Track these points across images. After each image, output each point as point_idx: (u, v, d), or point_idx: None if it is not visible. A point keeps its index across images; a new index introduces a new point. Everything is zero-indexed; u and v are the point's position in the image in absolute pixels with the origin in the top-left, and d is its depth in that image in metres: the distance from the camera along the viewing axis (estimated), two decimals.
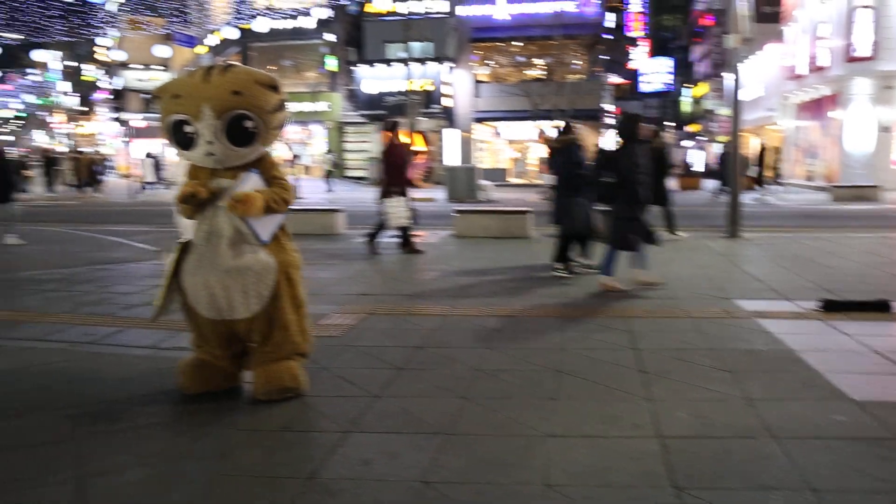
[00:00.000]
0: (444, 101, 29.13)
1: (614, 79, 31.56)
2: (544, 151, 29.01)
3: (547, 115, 27.26)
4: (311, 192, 22.25)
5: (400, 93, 26.32)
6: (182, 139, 3.71)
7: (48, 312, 6.18)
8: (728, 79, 14.64)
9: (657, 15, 31.08)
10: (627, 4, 35.19)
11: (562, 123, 8.23)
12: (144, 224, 13.95)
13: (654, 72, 38.97)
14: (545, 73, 29.64)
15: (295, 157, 28.58)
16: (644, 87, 39.75)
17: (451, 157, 28.95)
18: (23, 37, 26.58)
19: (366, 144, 30.85)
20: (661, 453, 3.16)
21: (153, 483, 2.98)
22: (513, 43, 30.38)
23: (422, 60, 26.30)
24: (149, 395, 4.03)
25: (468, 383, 4.16)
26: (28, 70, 59.42)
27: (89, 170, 26.62)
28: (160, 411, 3.81)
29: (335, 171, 26.63)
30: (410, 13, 22.65)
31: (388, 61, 29.07)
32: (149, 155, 26.07)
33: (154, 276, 7.99)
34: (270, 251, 3.84)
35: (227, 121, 3.62)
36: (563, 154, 7.63)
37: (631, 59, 32.51)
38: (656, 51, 34.86)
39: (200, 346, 4.01)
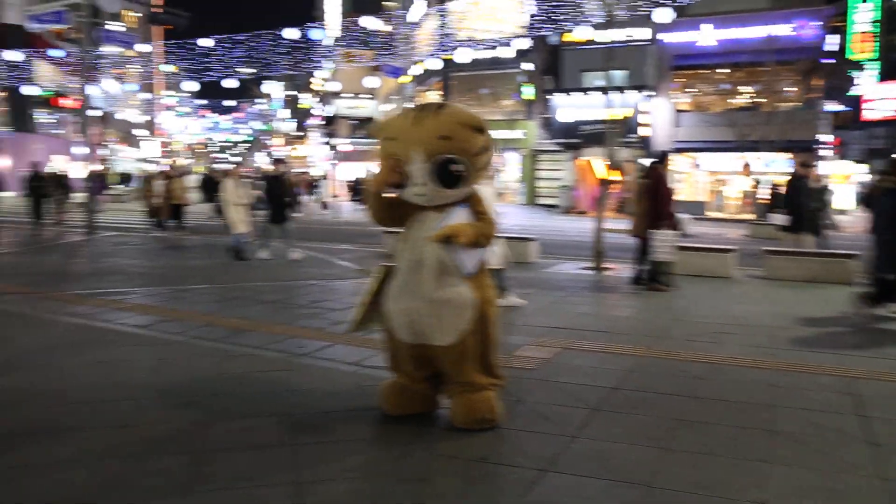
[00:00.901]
0: (642, 131, 28.39)
1: (833, 106, 28.85)
2: (748, 184, 27.16)
3: (753, 147, 25.63)
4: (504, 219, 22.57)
5: (596, 121, 26.04)
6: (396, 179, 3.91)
7: (269, 322, 6.80)
8: None
9: (889, 34, 28.04)
10: (853, 24, 32.26)
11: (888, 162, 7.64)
12: (347, 243, 14.95)
13: (883, 97, 35.26)
14: (753, 101, 27.88)
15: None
16: (869, 114, 36.09)
17: None
18: (255, 70, 29.70)
19: (558, 172, 30.87)
20: None
21: (361, 498, 3.15)
22: (717, 70, 28.95)
23: (620, 89, 25.85)
24: (354, 411, 4.29)
25: (668, 433, 3.98)
26: (256, 100, 66.44)
27: (291, 190, 28.75)
28: (364, 428, 4.02)
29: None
30: (611, 41, 22.42)
31: (584, 90, 28.93)
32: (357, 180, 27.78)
33: (357, 294, 8.53)
34: (471, 287, 3.94)
35: (436, 164, 3.78)
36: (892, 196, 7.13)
37: (856, 85, 29.63)
38: (886, 74, 31.46)
39: (396, 368, 4.19)
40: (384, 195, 3.98)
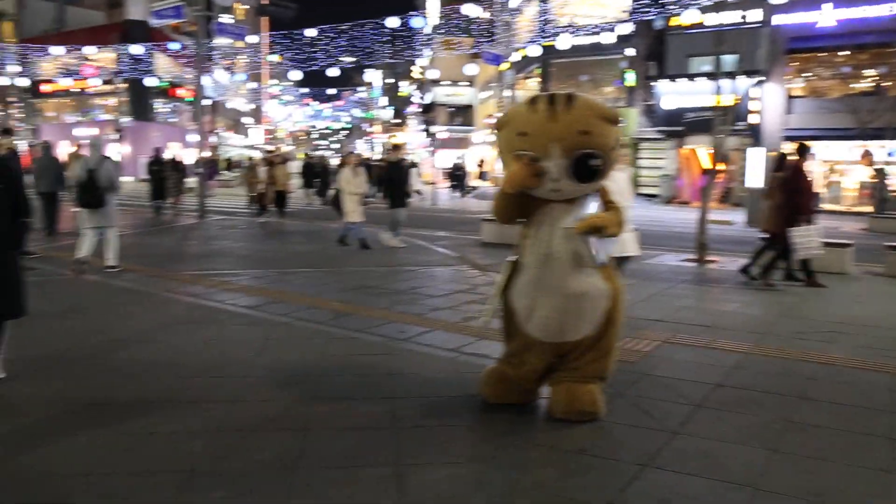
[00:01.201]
0: (751, 118, 27.09)
1: None
2: (867, 175, 25.43)
3: (877, 134, 23.97)
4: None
5: (702, 108, 25.07)
6: None
7: (368, 306, 6.98)
8: None
9: None
10: None
11: None
12: (445, 230, 15.08)
13: None
14: (877, 85, 26.05)
15: None
16: None
17: (754, 177, 26.77)
18: (356, 59, 30.35)
19: (660, 161, 29.95)
20: None
21: (459, 483, 3.20)
22: (838, 52, 27.20)
23: (731, 74, 24.75)
24: (453, 398, 4.34)
25: (777, 434, 3.82)
26: (357, 88, 67.92)
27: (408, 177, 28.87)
28: (464, 414, 4.07)
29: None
30: (720, 24, 21.45)
31: (690, 76, 27.87)
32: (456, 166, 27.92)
33: (455, 282, 8.63)
34: (603, 277, 3.89)
35: (575, 161, 3.67)
36: None
37: None
38: None
39: (512, 361, 4.11)
40: (515, 195, 3.83)
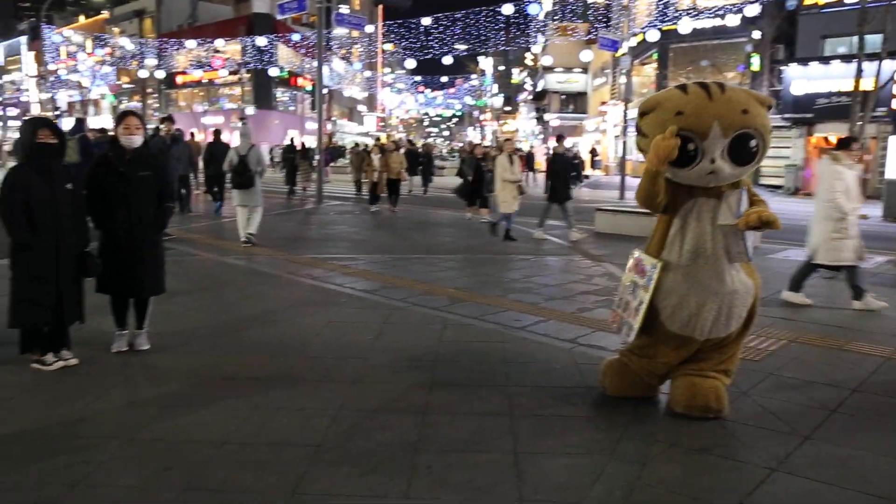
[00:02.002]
0: (894, 103, 25.06)
1: None
2: None
3: None
4: None
5: (837, 94, 23.49)
6: (680, 157, 3.59)
7: (482, 294, 7.03)
8: None
9: None
10: None
11: None
12: (556, 219, 14.89)
13: None
14: None
15: None
16: None
17: (895, 168, 24.80)
18: (468, 47, 30.49)
19: (785, 150, 28.30)
20: None
21: (577, 473, 3.18)
22: None
23: (877, 56, 22.95)
24: (570, 388, 4.31)
25: None
26: (470, 76, 68.22)
27: (573, 167, 26.94)
28: (582, 405, 4.04)
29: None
30: (863, 2, 19.77)
31: (825, 58, 26.08)
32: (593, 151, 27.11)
33: (568, 272, 8.53)
34: (747, 273, 3.79)
35: (736, 139, 3.59)
36: None
37: None
38: None
39: (645, 352, 3.98)
40: (663, 174, 3.68)
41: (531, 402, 4.06)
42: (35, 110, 60.67)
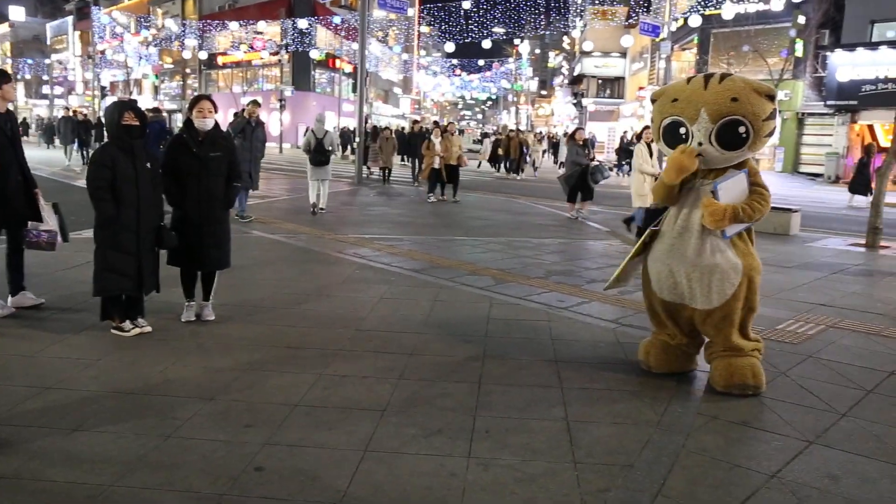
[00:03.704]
0: None
1: None
2: None
3: None
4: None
5: (885, 80, 23.08)
6: (673, 140, 4.04)
7: (526, 276, 7.27)
8: None
9: None
10: None
11: None
12: (597, 205, 15.02)
13: None
14: None
15: None
16: None
17: None
18: (506, 30, 30.47)
19: (827, 138, 27.91)
20: None
21: (627, 440, 3.43)
22: None
23: None
24: (614, 364, 4.55)
25: None
26: (506, 59, 67.93)
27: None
28: (626, 380, 4.27)
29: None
30: None
31: (873, 44, 25.58)
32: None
33: (608, 256, 8.73)
34: (738, 253, 4.00)
35: (722, 125, 3.84)
36: None
37: None
38: None
39: (658, 325, 4.39)
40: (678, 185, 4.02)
41: (579, 375, 4.31)
42: (79, 89, 62.05)
